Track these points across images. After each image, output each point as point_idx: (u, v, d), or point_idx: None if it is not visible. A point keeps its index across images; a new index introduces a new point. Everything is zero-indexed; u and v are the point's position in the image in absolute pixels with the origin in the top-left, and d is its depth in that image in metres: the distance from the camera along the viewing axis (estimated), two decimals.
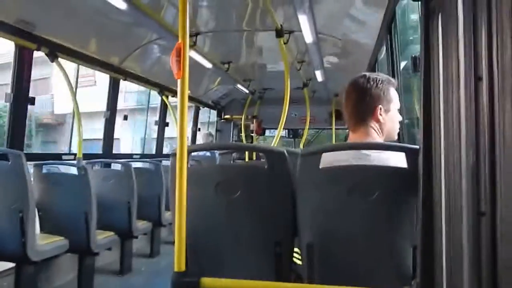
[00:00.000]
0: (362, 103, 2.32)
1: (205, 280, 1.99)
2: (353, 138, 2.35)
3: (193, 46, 5.61)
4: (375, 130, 2.33)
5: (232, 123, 11.13)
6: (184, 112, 2.01)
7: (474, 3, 1.28)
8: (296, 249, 2.21)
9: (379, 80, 2.35)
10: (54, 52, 4.70)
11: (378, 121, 2.32)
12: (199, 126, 10.14)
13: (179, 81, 2.01)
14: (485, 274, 1.28)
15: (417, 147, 1.81)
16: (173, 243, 2.10)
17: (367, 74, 2.37)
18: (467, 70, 1.30)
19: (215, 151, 7.89)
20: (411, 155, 1.92)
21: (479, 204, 1.27)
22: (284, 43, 4.98)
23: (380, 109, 2.30)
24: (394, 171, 2.01)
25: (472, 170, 1.29)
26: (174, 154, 2.04)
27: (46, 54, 4.67)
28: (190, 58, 2.05)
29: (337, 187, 2.04)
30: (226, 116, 10.91)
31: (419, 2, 1.67)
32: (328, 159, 2.09)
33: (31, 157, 4.44)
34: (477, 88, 1.25)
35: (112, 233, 4.80)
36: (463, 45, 1.32)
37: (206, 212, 2.21)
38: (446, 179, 1.47)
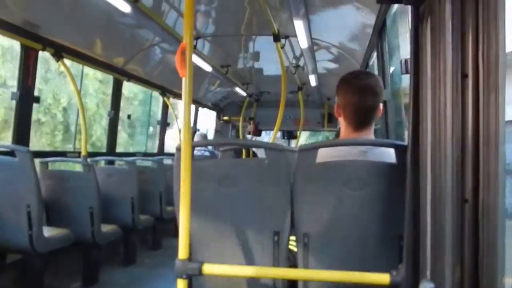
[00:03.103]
0: (371, 102, 2.27)
1: (207, 266, 2.02)
2: (356, 137, 2.31)
3: (193, 49, 5.62)
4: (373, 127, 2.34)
5: (230, 125, 11.17)
6: (188, 108, 2.05)
7: (461, 6, 1.32)
8: (292, 237, 2.25)
9: (378, 77, 2.36)
10: (60, 52, 4.71)
11: (378, 118, 2.33)
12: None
13: (183, 80, 2.04)
14: (467, 255, 1.33)
15: (405, 144, 1.86)
16: (174, 235, 2.13)
17: (367, 71, 2.35)
18: (454, 68, 1.34)
19: (214, 151, 7.94)
20: (400, 151, 1.97)
21: (463, 192, 1.32)
22: (281, 48, 5.01)
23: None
24: (385, 166, 2.06)
25: (457, 162, 1.33)
26: (179, 149, 2.09)
27: (52, 55, 4.68)
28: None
29: (332, 181, 2.09)
30: (225, 118, 10.96)
31: (409, 6, 1.70)
32: (326, 156, 2.12)
33: (37, 154, 4.45)
34: (463, 84, 1.28)
35: (116, 226, 4.83)
36: (450, 45, 1.35)
37: (209, 203, 2.25)
38: (432, 172, 1.51)
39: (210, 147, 8.10)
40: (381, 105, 2.33)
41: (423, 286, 1.50)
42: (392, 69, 4.59)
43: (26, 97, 4.50)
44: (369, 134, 2.32)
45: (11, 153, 3.85)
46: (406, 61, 1.80)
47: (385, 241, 2.06)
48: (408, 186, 1.67)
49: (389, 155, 2.07)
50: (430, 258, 1.52)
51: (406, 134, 1.85)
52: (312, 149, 2.12)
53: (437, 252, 1.48)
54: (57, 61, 4.72)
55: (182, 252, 2.05)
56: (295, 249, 2.26)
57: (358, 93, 2.27)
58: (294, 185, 2.14)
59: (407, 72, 1.75)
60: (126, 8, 4.01)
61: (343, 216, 2.10)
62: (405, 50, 4.03)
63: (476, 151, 1.26)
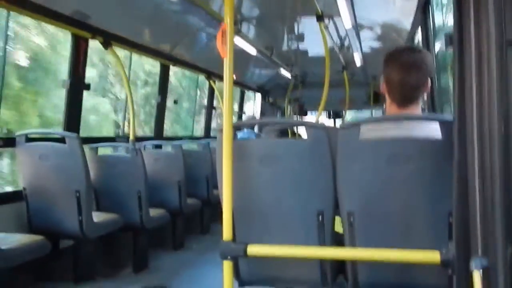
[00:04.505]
0: (415, 79, 2.18)
1: (252, 247, 2.02)
2: (402, 112, 2.24)
3: (238, 32, 5.59)
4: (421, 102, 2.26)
5: (275, 107, 11.13)
6: (230, 89, 2.04)
7: None
8: (337, 218, 2.20)
9: (425, 53, 2.26)
10: (108, 40, 4.75)
11: (425, 93, 2.24)
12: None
13: (225, 60, 2.02)
14: None
15: (451, 118, 1.76)
16: (222, 219, 2.12)
17: (414, 47, 2.25)
18: (498, 36, 1.27)
19: (260, 133, 7.91)
20: (445, 126, 1.89)
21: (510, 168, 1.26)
22: (325, 28, 4.92)
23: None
24: (430, 142, 1.98)
25: (505, 135, 1.30)
26: (221, 130, 2.08)
27: (101, 43, 4.72)
28: (235, 44, 2.08)
29: (376, 158, 2.03)
30: (270, 99, 10.93)
31: None
32: (370, 133, 2.06)
33: (86, 140, 4.50)
34: (509, 53, 1.22)
35: (163, 210, 4.85)
36: (493, 15, 1.32)
37: (252, 184, 2.21)
38: (479, 147, 1.47)
39: (255, 130, 8.07)
40: (429, 81, 2.23)
41: (475, 263, 1.48)
42: (438, 45, 4.46)
43: (76, 85, 4.57)
44: (415, 111, 2.23)
45: (61, 140, 3.89)
46: (450, 35, 1.72)
47: (433, 218, 2.00)
48: (456, 161, 1.61)
49: (436, 132, 1.97)
50: (481, 234, 1.49)
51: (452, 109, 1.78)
52: (354, 126, 2.05)
53: (488, 228, 1.46)
54: (106, 48, 4.76)
55: (226, 233, 2.07)
56: (340, 230, 2.21)
57: (402, 69, 2.19)
58: (337, 163, 2.08)
59: (451, 45, 1.67)
60: None
61: (388, 193, 2.04)
62: (450, 26, 3.90)
63: None
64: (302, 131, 8.57)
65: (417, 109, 2.24)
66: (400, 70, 2.19)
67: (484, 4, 1.38)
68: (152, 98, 10.37)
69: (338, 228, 2.24)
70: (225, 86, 2.06)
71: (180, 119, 12.18)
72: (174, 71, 6.95)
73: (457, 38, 1.56)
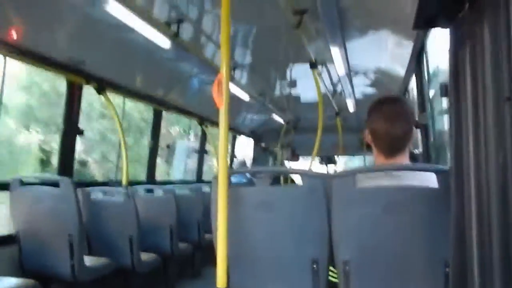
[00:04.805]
0: (401, 129, 2.17)
1: None
2: (390, 163, 2.21)
3: (231, 79, 5.66)
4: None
5: (268, 152, 11.14)
6: (225, 137, 2.05)
7: (501, 29, 1.26)
8: (331, 268, 2.19)
9: (407, 102, 2.29)
10: (102, 86, 4.79)
11: (411, 141, 2.24)
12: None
13: (220, 110, 2.05)
14: None
15: (447, 168, 1.79)
16: (213, 263, 2.10)
17: (397, 97, 2.28)
18: (495, 91, 1.28)
19: (252, 178, 7.90)
20: (442, 175, 1.90)
21: (509, 215, 1.26)
22: (318, 75, 4.98)
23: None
24: (426, 191, 1.98)
25: (503, 186, 1.28)
26: (216, 177, 2.10)
27: (95, 88, 4.77)
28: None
29: (372, 206, 2.02)
30: (262, 144, 10.95)
31: (448, 30, 1.65)
32: (363, 181, 2.07)
33: (79, 184, 4.50)
34: (506, 108, 1.22)
35: (155, 254, 4.80)
36: (490, 67, 1.31)
37: (247, 231, 2.21)
38: (476, 197, 1.45)
39: (247, 175, 8.07)
40: (414, 130, 2.24)
41: None
42: (432, 92, 4.51)
43: (70, 130, 4.60)
44: (403, 160, 2.22)
45: (55, 185, 3.88)
46: (445, 85, 1.74)
47: (429, 267, 1.98)
48: (453, 210, 1.60)
49: (427, 181, 1.99)
50: (479, 285, 1.45)
51: (449, 158, 1.80)
52: (350, 174, 2.07)
53: (485, 280, 1.42)
54: (100, 94, 4.79)
55: (220, 280, 2.06)
56: (335, 280, 2.18)
57: (386, 120, 2.18)
58: (332, 211, 2.08)
59: (446, 95, 1.69)
60: (166, 44, 4.07)
61: (384, 242, 2.03)
62: (444, 73, 3.95)
63: None
64: (295, 177, 8.57)
65: (405, 158, 2.22)
66: (384, 121, 2.18)
67: (480, 55, 1.38)
68: (110, 133, 9.70)
69: (333, 278, 2.22)
70: (221, 134, 2.09)
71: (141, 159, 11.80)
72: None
73: (453, 88, 1.57)
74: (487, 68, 1.33)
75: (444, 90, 1.73)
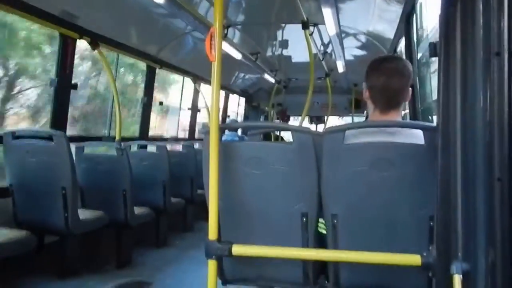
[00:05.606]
0: (397, 84, 2.23)
1: (237, 247, 2.05)
2: (383, 119, 2.28)
3: (224, 37, 5.64)
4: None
5: (259, 111, 11.18)
6: (217, 92, 2.06)
7: None
8: (321, 219, 2.24)
9: (406, 61, 2.33)
10: (96, 41, 4.76)
11: (406, 100, 2.31)
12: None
13: (213, 65, 2.05)
14: (500, 235, 1.30)
15: (434, 125, 1.82)
16: (205, 218, 2.15)
17: (396, 56, 2.29)
18: (485, 47, 1.31)
19: (244, 136, 7.96)
20: (428, 132, 1.93)
21: (495, 171, 1.30)
22: (310, 35, 4.98)
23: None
24: (413, 147, 2.01)
25: (489, 141, 1.32)
26: (207, 132, 2.10)
27: (89, 43, 4.73)
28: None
29: (359, 163, 2.05)
30: (254, 104, 10.98)
31: None
32: (353, 138, 2.11)
33: (73, 138, 4.51)
34: (495, 63, 1.25)
35: (148, 208, 4.88)
36: (481, 24, 1.33)
37: (238, 185, 2.23)
38: (462, 153, 1.49)
39: (239, 133, 8.12)
40: (409, 88, 2.29)
41: (455, 267, 1.49)
42: (419, 55, 4.54)
43: (64, 84, 4.57)
44: (396, 117, 2.28)
45: (49, 138, 3.90)
46: (435, 44, 1.76)
47: (415, 222, 2.03)
48: (439, 166, 1.63)
49: (417, 137, 2.03)
50: (462, 239, 1.50)
51: (435, 117, 1.82)
52: (338, 131, 2.09)
53: (469, 233, 1.47)
54: (93, 49, 4.77)
55: (212, 233, 2.08)
56: (324, 232, 2.24)
57: (385, 75, 2.24)
58: (321, 167, 2.11)
59: (435, 55, 1.71)
60: None
61: (371, 197, 2.07)
62: (433, 35, 3.97)
63: (509, 129, 1.23)
64: (285, 134, 8.64)
65: (398, 116, 2.29)
66: (383, 75, 2.24)
67: (470, 12, 1.40)
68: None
69: (322, 229, 2.27)
70: (213, 89, 2.08)
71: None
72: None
73: (443, 47, 1.59)
74: (477, 24, 1.35)
75: (433, 49, 1.74)
